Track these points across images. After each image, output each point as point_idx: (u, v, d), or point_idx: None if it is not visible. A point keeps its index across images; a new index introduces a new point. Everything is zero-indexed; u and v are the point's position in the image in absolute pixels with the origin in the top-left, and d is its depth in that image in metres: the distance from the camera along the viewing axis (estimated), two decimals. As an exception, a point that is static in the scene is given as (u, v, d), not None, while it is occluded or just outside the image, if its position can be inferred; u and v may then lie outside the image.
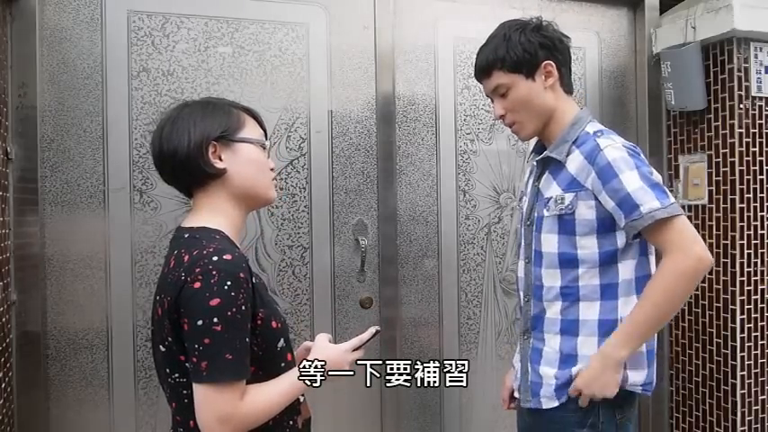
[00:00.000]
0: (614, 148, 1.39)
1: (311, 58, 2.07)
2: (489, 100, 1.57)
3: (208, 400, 1.02)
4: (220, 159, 1.14)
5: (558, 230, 1.45)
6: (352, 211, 2.13)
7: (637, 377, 1.44)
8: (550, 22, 1.53)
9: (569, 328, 1.46)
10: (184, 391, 1.08)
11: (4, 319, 1.66)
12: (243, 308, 1.03)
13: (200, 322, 1.01)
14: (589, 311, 1.44)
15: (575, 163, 1.44)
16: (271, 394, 1.09)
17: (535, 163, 1.57)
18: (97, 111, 1.85)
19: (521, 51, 1.45)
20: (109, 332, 1.87)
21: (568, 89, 1.54)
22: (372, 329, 1.28)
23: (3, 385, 1.65)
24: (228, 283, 1.02)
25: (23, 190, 1.77)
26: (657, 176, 1.41)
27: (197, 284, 1.02)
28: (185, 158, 1.12)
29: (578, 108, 1.54)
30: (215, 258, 1.03)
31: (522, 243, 1.57)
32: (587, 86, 2.43)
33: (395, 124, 2.16)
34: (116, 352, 1.88)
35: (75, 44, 1.84)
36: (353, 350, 1.23)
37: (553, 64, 1.48)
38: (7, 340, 1.70)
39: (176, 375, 1.09)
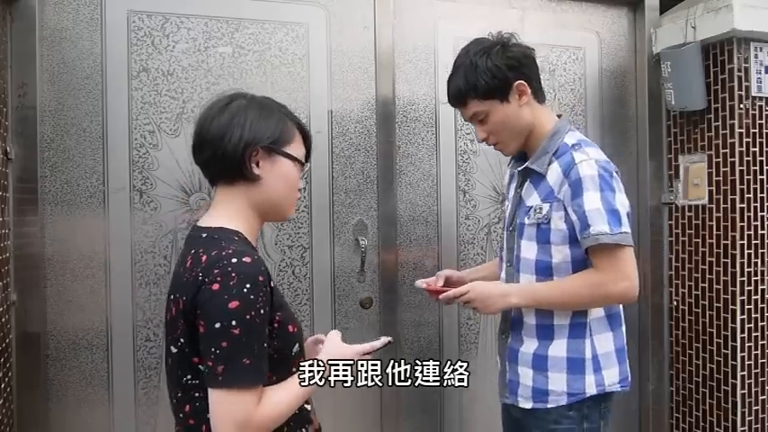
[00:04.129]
0: (588, 164, 1.45)
1: (311, 58, 2.07)
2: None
3: (223, 405, 1.00)
4: (257, 166, 1.12)
5: (537, 239, 1.52)
6: (352, 211, 2.13)
7: (611, 377, 1.52)
8: (512, 35, 1.54)
9: (545, 333, 1.53)
10: (197, 394, 1.06)
11: (3, 319, 1.66)
12: (261, 312, 1.02)
13: (217, 325, 0.99)
14: (563, 316, 1.52)
15: (553, 175, 1.50)
16: (287, 397, 1.07)
17: (516, 171, 1.62)
18: (97, 111, 1.85)
19: (490, 78, 1.48)
20: (109, 332, 1.87)
21: (542, 99, 1.58)
22: (385, 339, 1.27)
23: (3, 385, 1.64)
24: (248, 285, 1.00)
25: (23, 190, 1.77)
26: (622, 201, 1.47)
27: (215, 286, 1.00)
28: (227, 152, 1.10)
29: (555, 117, 1.59)
30: (234, 260, 1.02)
31: (505, 247, 1.64)
32: (587, 86, 2.43)
33: (395, 124, 2.16)
34: (116, 352, 1.88)
35: (75, 44, 1.84)
36: (364, 354, 1.20)
37: (524, 82, 1.50)
38: (7, 340, 1.70)
39: (189, 377, 1.07)
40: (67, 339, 1.84)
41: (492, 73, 1.47)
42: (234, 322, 0.98)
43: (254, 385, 1.01)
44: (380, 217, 2.15)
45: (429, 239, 2.22)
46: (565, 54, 2.39)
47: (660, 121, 2.46)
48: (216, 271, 1.01)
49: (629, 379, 1.57)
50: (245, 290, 1.00)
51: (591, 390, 1.49)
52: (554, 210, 1.48)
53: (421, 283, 1.68)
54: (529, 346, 1.55)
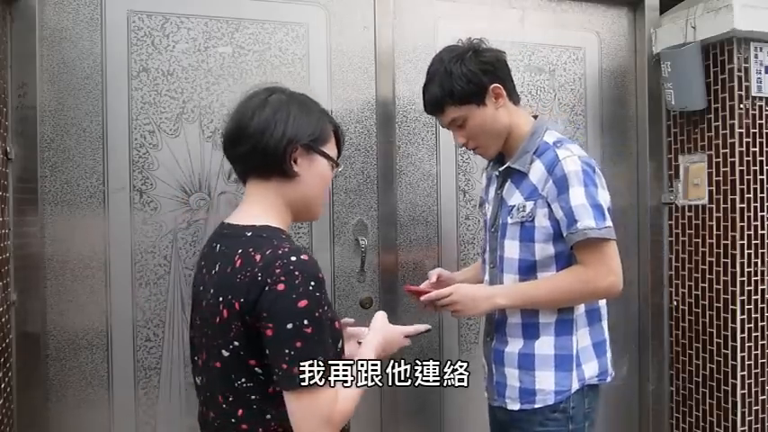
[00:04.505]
0: (571, 160, 1.46)
1: (311, 58, 2.07)
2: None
3: (306, 405, 0.99)
4: (295, 163, 1.12)
5: (520, 237, 1.52)
6: (352, 211, 2.13)
7: (590, 371, 1.54)
8: (482, 40, 1.56)
9: (530, 332, 1.54)
10: (253, 397, 1.05)
11: (3, 319, 1.66)
12: (325, 308, 1.02)
13: (289, 326, 0.97)
14: (549, 314, 1.52)
15: (536, 173, 1.51)
16: (352, 390, 1.07)
17: (497, 173, 1.62)
18: (97, 111, 1.85)
19: (465, 83, 1.49)
20: (109, 332, 1.87)
21: (516, 100, 1.60)
22: (428, 326, 1.35)
23: (2, 385, 1.64)
24: (312, 283, 1.00)
25: (23, 190, 1.77)
26: (604, 196, 1.48)
27: (281, 286, 0.98)
28: (268, 147, 1.09)
29: (531, 117, 1.61)
30: (294, 258, 1.01)
31: (488, 249, 1.65)
32: (587, 86, 2.43)
33: (395, 124, 2.16)
34: (116, 352, 1.88)
35: (75, 44, 1.83)
36: (405, 336, 1.26)
37: (499, 85, 1.53)
38: (7, 340, 1.70)
39: (243, 381, 1.05)
40: (67, 339, 1.84)
41: (467, 78, 1.49)
42: (306, 321, 0.98)
43: None
44: (380, 217, 2.14)
45: (429, 239, 2.22)
46: (565, 54, 2.39)
47: (660, 121, 2.46)
48: (278, 270, 0.99)
49: (609, 372, 1.59)
50: (310, 287, 0.99)
51: (575, 385, 1.51)
52: (538, 207, 1.49)
53: (405, 288, 1.68)
54: (513, 345, 1.55)
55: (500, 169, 1.60)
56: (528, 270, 1.52)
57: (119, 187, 1.87)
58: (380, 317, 1.27)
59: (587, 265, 1.45)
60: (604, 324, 1.59)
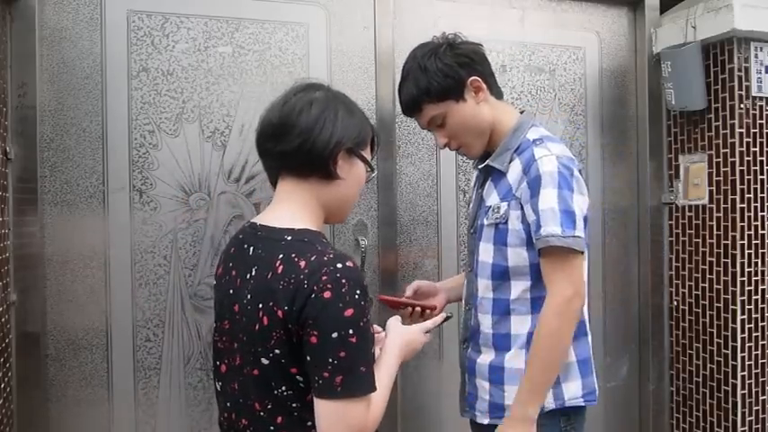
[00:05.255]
0: (548, 160, 1.35)
1: (311, 58, 2.07)
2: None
3: (341, 415, 0.97)
4: (336, 165, 1.10)
5: (494, 240, 1.43)
6: (352, 211, 2.12)
7: (572, 390, 1.41)
8: (457, 34, 1.49)
9: (502, 343, 1.44)
10: (293, 405, 1.03)
11: (3, 319, 1.66)
12: (368, 317, 1.00)
13: (334, 335, 0.96)
14: (520, 325, 1.42)
15: (514, 172, 1.42)
16: (383, 397, 1.06)
17: (478, 171, 1.55)
18: (97, 111, 1.85)
19: (442, 78, 1.42)
20: (108, 332, 1.87)
21: (499, 95, 1.51)
22: (444, 315, 1.33)
23: (2, 385, 1.64)
24: (358, 291, 0.98)
25: (23, 190, 1.77)
26: (579, 203, 1.35)
27: (327, 294, 0.96)
28: (315, 147, 1.07)
29: (517, 113, 1.52)
30: (340, 265, 0.99)
31: (467, 251, 1.56)
32: (587, 86, 2.43)
33: (395, 124, 2.16)
34: (116, 352, 1.88)
35: (75, 44, 1.83)
36: (425, 332, 1.25)
37: (478, 78, 1.44)
38: (7, 340, 1.70)
39: (283, 389, 1.03)
40: (67, 339, 1.84)
41: (444, 73, 1.42)
42: (351, 331, 0.96)
43: (371, 392, 1.00)
44: (380, 217, 2.14)
45: (429, 240, 2.22)
46: (565, 54, 2.39)
47: (660, 120, 2.46)
48: (324, 278, 0.97)
49: (597, 393, 1.46)
50: (356, 296, 0.98)
51: (549, 404, 1.39)
52: (511, 209, 1.39)
53: (379, 297, 1.62)
54: (486, 356, 1.47)
55: (479, 167, 1.53)
56: (501, 276, 1.42)
57: (119, 187, 1.87)
58: (394, 321, 1.25)
59: (548, 277, 1.33)
60: (588, 339, 1.47)
